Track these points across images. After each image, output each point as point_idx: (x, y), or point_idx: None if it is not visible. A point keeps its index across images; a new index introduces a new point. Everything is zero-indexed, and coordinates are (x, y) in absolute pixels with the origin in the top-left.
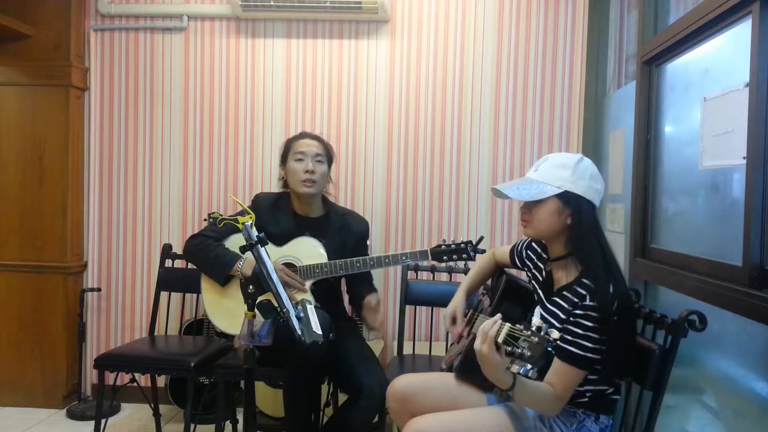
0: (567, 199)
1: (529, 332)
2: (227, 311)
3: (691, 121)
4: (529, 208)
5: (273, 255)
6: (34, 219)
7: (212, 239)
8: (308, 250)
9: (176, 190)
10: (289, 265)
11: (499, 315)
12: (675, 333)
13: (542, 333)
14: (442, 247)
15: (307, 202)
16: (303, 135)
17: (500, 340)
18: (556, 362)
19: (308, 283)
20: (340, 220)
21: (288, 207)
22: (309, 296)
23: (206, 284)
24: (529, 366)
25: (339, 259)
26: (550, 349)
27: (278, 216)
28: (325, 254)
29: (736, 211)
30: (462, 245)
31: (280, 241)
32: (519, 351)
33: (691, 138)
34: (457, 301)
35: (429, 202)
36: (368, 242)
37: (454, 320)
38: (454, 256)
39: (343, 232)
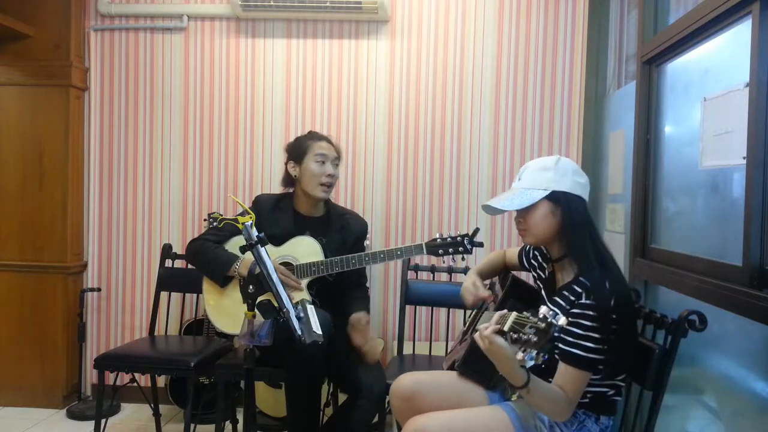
0: (556, 198)
1: (536, 319)
2: (228, 312)
3: (691, 121)
4: (523, 216)
5: (271, 255)
6: (34, 219)
7: (212, 242)
8: (305, 249)
9: (176, 190)
10: (286, 264)
11: (505, 311)
12: (675, 333)
13: (549, 319)
14: (438, 240)
15: (314, 202)
16: (321, 137)
17: (506, 328)
18: (561, 366)
19: (304, 282)
20: (340, 219)
21: (289, 207)
22: (306, 294)
23: (207, 285)
24: (535, 352)
25: (335, 257)
26: (557, 334)
27: (279, 217)
28: (322, 252)
29: (736, 211)
30: (458, 238)
31: (280, 241)
32: (525, 337)
33: (691, 138)
34: (472, 276)
35: (429, 202)
36: (366, 242)
37: (474, 290)
38: (450, 250)
39: (343, 231)
